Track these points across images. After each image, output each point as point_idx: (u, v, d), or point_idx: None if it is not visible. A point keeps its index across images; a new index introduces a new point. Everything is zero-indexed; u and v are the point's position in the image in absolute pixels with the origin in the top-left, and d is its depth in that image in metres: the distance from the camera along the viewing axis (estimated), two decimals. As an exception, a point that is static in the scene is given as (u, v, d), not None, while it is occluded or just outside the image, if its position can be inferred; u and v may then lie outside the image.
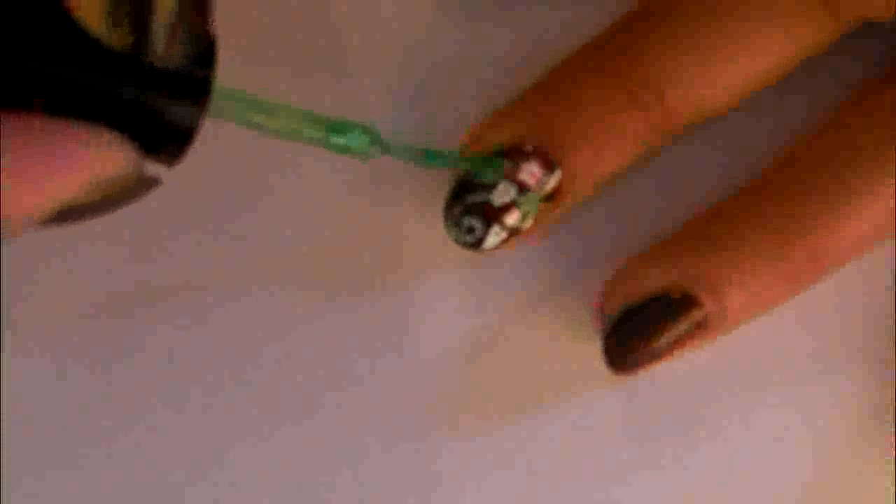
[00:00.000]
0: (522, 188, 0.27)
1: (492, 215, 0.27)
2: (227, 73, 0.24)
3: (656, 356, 0.28)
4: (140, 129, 0.22)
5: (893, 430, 0.29)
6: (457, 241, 0.28)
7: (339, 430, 0.29)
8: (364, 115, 0.26)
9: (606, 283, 0.29)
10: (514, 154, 0.27)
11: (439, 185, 0.28)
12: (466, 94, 0.30)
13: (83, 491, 0.29)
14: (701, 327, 0.27)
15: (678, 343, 0.27)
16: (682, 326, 0.27)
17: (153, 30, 0.21)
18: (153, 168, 0.23)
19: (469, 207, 0.27)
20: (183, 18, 0.21)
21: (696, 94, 0.27)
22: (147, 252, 0.30)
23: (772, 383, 0.29)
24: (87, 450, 0.29)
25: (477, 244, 0.28)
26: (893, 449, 0.29)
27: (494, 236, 0.27)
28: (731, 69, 0.27)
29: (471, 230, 0.27)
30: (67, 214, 0.22)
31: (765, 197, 0.28)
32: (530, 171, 0.27)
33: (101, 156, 0.22)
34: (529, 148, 0.27)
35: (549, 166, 0.27)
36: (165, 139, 0.22)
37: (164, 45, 0.21)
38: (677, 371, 0.29)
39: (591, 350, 0.29)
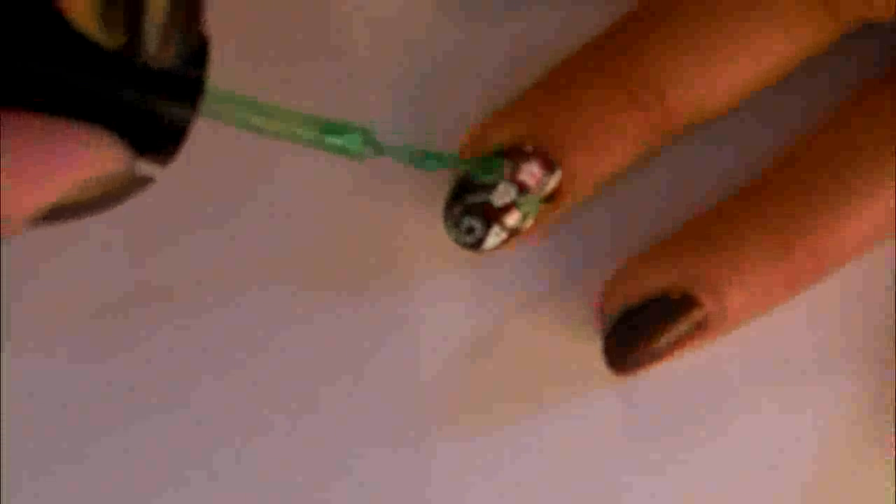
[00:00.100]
0: (523, 189, 0.27)
1: (492, 216, 0.27)
2: (227, 73, 0.24)
3: (656, 356, 0.28)
4: (133, 129, 0.22)
5: (893, 430, 0.29)
6: (457, 241, 0.28)
7: (339, 430, 0.29)
8: (364, 116, 0.26)
9: (606, 283, 0.29)
10: (514, 155, 0.27)
11: (439, 185, 0.28)
12: (466, 94, 0.30)
13: (83, 490, 0.29)
14: (701, 327, 0.27)
15: (678, 343, 0.27)
16: (682, 327, 0.27)
17: (146, 30, 0.21)
18: (148, 168, 0.23)
19: (469, 208, 0.27)
20: (175, 19, 0.21)
21: (697, 93, 0.27)
22: (147, 252, 0.30)
23: (772, 383, 0.29)
24: (86, 449, 0.29)
25: (477, 245, 0.28)
26: (893, 449, 0.29)
27: (494, 237, 0.27)
28: (731, 69, 0.27)
29: (471, 231, 0.27)
30: (60, 213, 0.22)
31: (765, 197, 0.28)
32: (530, 172, 0.27)
33: (97, 155, 0.22)
34: (529, 148, 0.27)
35: (549, 167, 0.27)
36: (159, 138, 0.23)
37: (156, 45, 0.22)
38: (677, 370, 0.29)
39: (592, 350, 0.29)
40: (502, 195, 0.27)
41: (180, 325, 0.30)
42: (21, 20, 0.21)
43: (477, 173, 0.27)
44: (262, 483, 0.29)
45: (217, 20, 0.23)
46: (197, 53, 0.23)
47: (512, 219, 0.27)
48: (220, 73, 0.23)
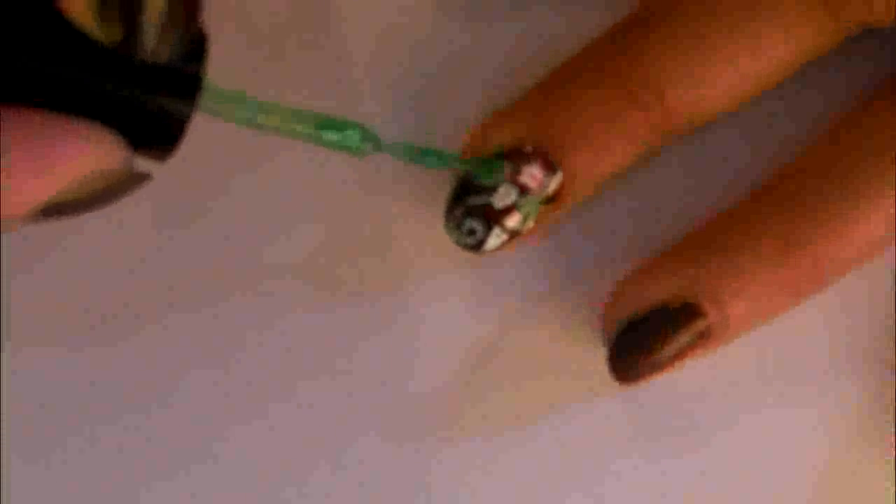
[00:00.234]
0: (524, 191, 0.27)
1: (493, 218, 0.27)
2: (227, 71, 0.24)
3: (659, 367, 0.28)
4: (131, 125, 0.22)
5: (893, 430, 0.29)
6: (458, 242, 0.28)
7: (339, 431, 0.29)
8: (365, 116, 0.26)
9: (608, 295, 0.29)
10: (515, 156, 0.27)
11: (439, 185, 0.28)
12: (467, 94, 0.30)
13: (83, 488, 0.29)
14: (704, 337, 0.27)
15: (681, 353, 0.27)
16: (685, 337, 0.27)
17: (143, 26, 0.21)
18: (146, 164, 0.23)
19: (470, 209, 0.27)
20: (173, 15, 0.21)
21: (697, 94, 0.27)
22: (146, 250, 0.30)
23: (772, 384, 0.29)
24: (87, 448, 0.29)
25: (478, 246, 0.28)
26: (893, 449, 0.29)
27: (495, 238, 0.27)
28: (731, 70, 0.27)
29: (472, 232, 0.27)
30: (58, 209, 0.22)
31: (766, 206, 0.28)
32: (531, 174, 0.27)
33: (96, 151, 0.22)
34: (530, 149, 0.27)
35: (550, 168, 0.27)
36: (157, 135, 0.23)
37: (154, 41, 0.22)
38: (678, 371, 0.29)
39: (592, 350, 0.29)
40: (503, 197, 0.27)
41: (179, 323, 0.30)
42: (20, 18, 0.21)
43: (477, 173, 0.27)
44: (261, 482, 0.29)
45: (216, 17, 0.23)
46: (195, 50, 0.23)
47: (513, 220, 0.27)
48: (219, 70, 0.23)
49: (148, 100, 0.22)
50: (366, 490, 0.29)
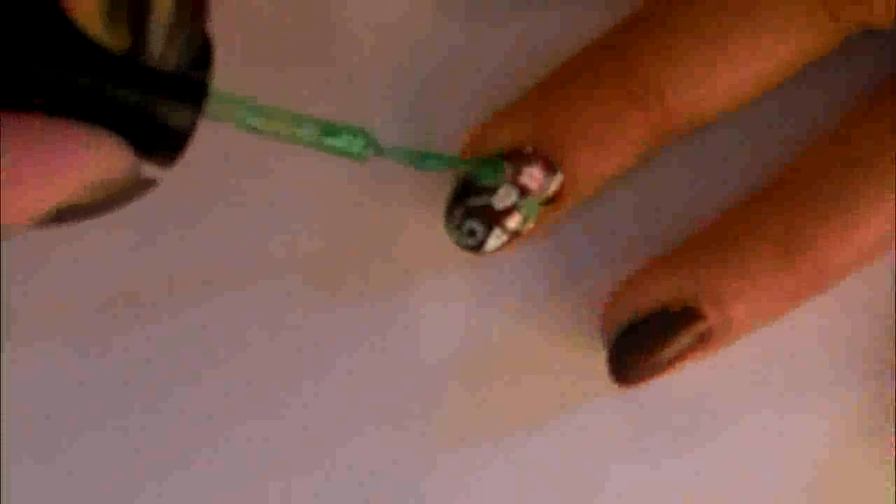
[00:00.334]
0: (524, 192, 0.27)
1: (493, 219, 0.27)
2: (227, 74, 0.24)
3: (659, 369, 0.28)
4: (137, 131, 0.22)
5: (893, 430, 0.29)
6: (458, 243, 0.28)
7: (338, 431, 0.30)
8: (365, 117, 0.26)
9: (608, 296, 0.29)
10: (515, 157, 0.27)
11: (439, 185, 0.28)
12: (467, 94, 0.30)
13: (84, 487, 0.29)
14: (704, 339, 0.27)
15: (681, 355, 0.27)
16: (685, 339, 0.27)
17: (151, 32, 0.21)
18: (150, 170, 0.23)
19: (470, 210, 0.27)
20: (180, 20, 0.21)
21: (697, 94, 0.27)
22: (147, 251, 0.30)
23: (772, 384, 0.29)
24: (87, 447, 0.29)
25: (478, 247, 0.28)
26: (893, 449, 0.29)
27: (495, 239, 0.27)
28: (731, 70, 0.27)
29: (472, 233, 0.27)
30: (65, 215, 0.22)
31: (766, 208, 0.28)
32: (532, 175, 0.27)
33: (101, 157, 0.22)
34: (530, 150, 0.27)
35: (550, 169, 0.27)
36: (162, 141, 0.23)
37: (161, 47, 0.22)
38: (677, 372, 0.29)
39: (592, 350, 0.29)
40: (504, 198, 0.27)
41: (180, 323, 0.30)
42: (25, 20, 0.21)
43: (477, 174, 0.27)
44: (260, 482, 0.29)
45: (220, 22, 0.23)
46: (201, 55, 0.23)
47: (513, 221, 0.27)
48: (219, 75, 0.23)
49: (154, 105, 0.22)
50: (366, 490, 0.29)
